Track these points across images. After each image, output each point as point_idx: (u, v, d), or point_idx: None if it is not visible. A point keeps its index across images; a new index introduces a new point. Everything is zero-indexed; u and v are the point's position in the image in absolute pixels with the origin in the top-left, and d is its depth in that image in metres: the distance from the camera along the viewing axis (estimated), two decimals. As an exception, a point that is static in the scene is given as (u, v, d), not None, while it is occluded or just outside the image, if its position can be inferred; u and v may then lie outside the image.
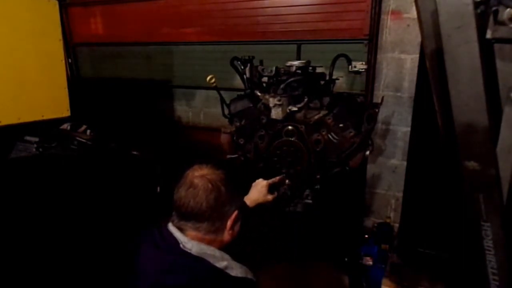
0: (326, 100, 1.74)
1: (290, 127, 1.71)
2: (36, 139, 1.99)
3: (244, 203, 1.49)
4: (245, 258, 1.12)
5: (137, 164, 2.36)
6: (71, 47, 3.79)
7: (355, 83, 2.65)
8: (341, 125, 1.67)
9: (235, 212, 1.10)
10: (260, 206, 1.56)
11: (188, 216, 1.06)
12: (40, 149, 1.96)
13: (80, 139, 2.15)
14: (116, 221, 2.01)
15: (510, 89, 0.94)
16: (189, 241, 1.05)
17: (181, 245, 1.04)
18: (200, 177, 1.08)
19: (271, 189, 1.62)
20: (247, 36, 2.91)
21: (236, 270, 1.04)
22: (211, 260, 1.02)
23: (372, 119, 1.65)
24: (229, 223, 1.09)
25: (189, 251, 1.03)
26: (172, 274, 1.01)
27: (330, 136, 1.68)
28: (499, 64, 0.95)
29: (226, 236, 1.10)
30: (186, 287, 0.99)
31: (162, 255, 1.05)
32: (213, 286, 1.00)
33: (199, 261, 1.01)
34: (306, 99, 1.69)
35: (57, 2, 2.22)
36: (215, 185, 1.06)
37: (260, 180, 1.63)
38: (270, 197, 1.59)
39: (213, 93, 2.09)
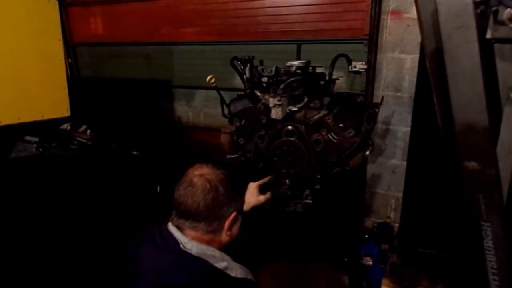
0: (326, 100, 1.73)
1: (290, 127, 1.70)
2: (36, 139, 1.99)
3: None
4: (244, 260, 1.12)
5: (137, 164, 2.36)
6: (71, 47, 3.80)
7: (355, 83, 2.65)
8: (341, 125, 1.67)
9: (233, 214, 1.10)
10: (256, 209, 1.53)
11: (186, 214, 1.06)
12: (40, 149, 1.95)
13: (80, 139, 2.15)
14: (116, 221, 2.01)
15: (510, 89, 0.94)
16: (189, 241, 1.05)
17: (181, 245, 1.04)
18: (199, 176, 1.07)
19: (262, 189, 1.58)
20: (247, 36, 2.91)
21: (236, 271, 1.04)
22: (211, 261, 1.02)
23: (372, 119, 1.65)
24: (226, 224, 1.09)
25: (189, 251, 1.03)
26: (172, 274, 1.01)
27: (330, 136, 1.68)
28: (499, 64, 0.95)
29: (224, 237, 1.10)
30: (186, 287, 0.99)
31: (162, 255, 1.04)
32: (213, 287, 1.00)
33: (199, 262, 1.01)
34: (306, 99, 1.69)
35: (57, 2, 2.22)
36: (213, 185, 1.06)
37: (251, 183, 1.60)
38: (262, 198, 1.54)
39: (213, 93, 2.08)
